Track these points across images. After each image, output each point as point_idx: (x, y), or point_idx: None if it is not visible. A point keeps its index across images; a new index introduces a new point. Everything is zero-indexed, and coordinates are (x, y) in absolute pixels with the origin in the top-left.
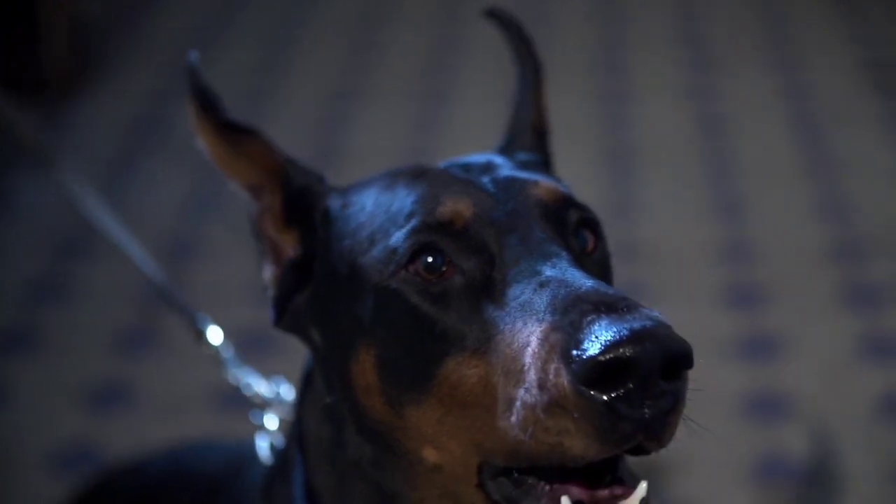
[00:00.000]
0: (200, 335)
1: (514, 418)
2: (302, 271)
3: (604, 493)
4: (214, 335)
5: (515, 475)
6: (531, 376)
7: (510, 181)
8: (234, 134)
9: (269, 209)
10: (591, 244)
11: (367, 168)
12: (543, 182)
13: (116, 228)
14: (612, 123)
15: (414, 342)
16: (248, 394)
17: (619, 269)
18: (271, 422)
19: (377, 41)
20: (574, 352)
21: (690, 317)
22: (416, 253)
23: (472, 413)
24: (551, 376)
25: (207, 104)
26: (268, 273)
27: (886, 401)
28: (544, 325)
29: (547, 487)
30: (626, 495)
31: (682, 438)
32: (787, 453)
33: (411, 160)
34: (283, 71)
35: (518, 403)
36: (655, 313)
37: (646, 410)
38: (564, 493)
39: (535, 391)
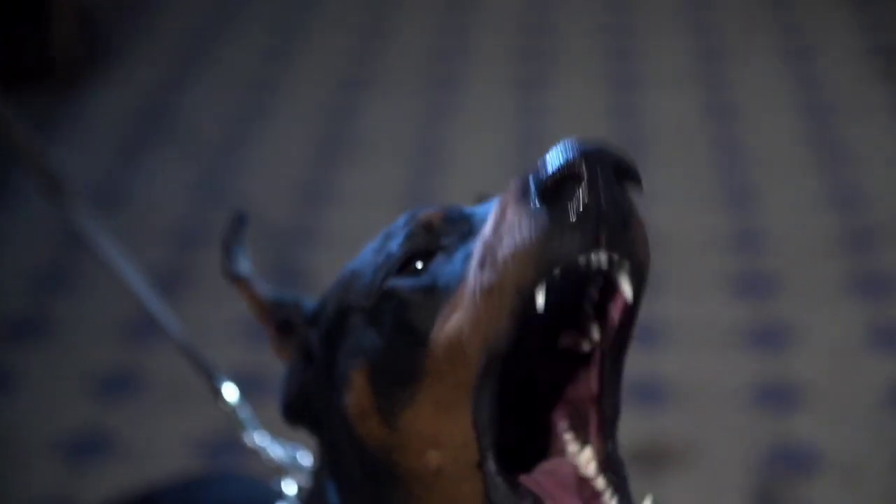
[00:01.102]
0: (217, 393)
1: (472, 273)
2: (305, 362)
3: None
4: (230, 393)
5: (514, 480)
6: (489, 225)
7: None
8: (237, 285)
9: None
10: None
11: (377, 156)
12: None
13: (118, 256)
14: (621, 112)
15: (407, 332)
16: (265, 459)
17: None
18: (290, 488)
19: (386, 29)
20: (530, 182)
21: (700, 306)
22: (408, 261)
23: (464, 356)
24: (508, 210)
25: (228, 256)
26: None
27: (895, 390)
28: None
29: (546, 502)
30: None
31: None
32: (796, 442)
33: (421, 148)
34: (292, 59)
35: (475, 258)
36: (601, 141)
37: (597, 203)
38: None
39: (489, 234)
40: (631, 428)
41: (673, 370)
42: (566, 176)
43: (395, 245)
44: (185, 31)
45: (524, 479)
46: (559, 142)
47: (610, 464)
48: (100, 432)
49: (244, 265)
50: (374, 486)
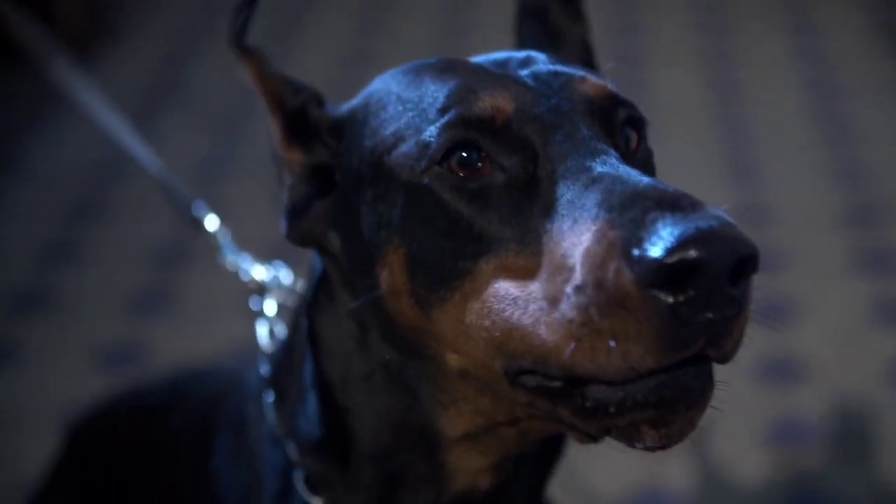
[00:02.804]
0: (197, 223)
1: (558, 319)
2: (321, 182)
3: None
4: (210, 222)
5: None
6: (585, 276)
7: (553, 75)
8: (246, 60)
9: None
10: (634, 142)
11: None
12: (590, 77)
13: (118, 123)
14: (625, 88)
15: (448, 241)
16: (245, 279)
17: None
18: (270, 307)
19: (391, 4)
20: (636, 251)
21: None
22: (452, 149)
23: (501, 315)
24: (611, 275)
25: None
26: (285, 189)
27: None
28: (600, 223)
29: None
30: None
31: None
32: (801, 417)
33: None
34: (295, 36)
35: (565, 306)
36: (721, 212)
37: (710, 315)
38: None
39: (590, 290)
40: None
41: None
42: (683, 266)
43: (439, 126)
44: (191, 3)
45: None
46: (679, 212)
47: None
48: None
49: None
50: (402, 347)
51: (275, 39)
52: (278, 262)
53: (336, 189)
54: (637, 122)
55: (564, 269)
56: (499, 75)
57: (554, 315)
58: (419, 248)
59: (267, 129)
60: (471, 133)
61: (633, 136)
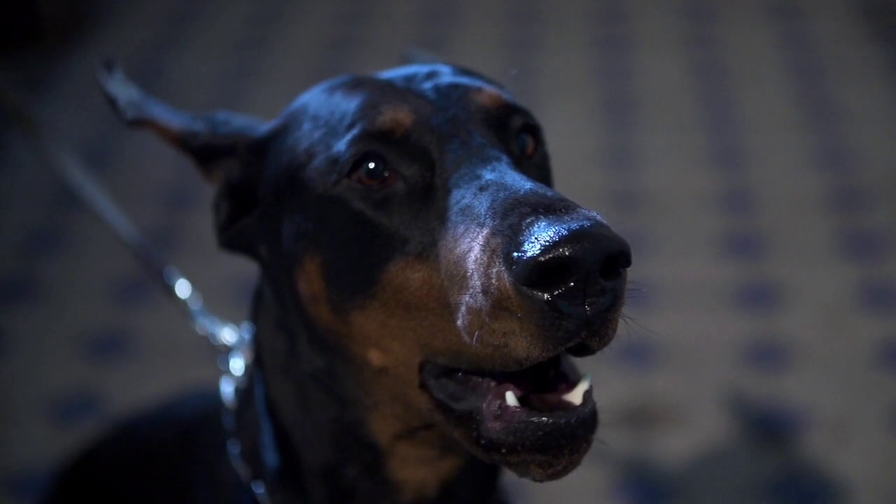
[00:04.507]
0: (169, 289)
1: (460, 322)
2: (247, 198)
3: (548, 388)
4: (182, 288)
5: (460, 375)
6: (475, 282)
7: (452, 87)
8: (141, 127)
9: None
10: (530, 148)
11: None
12: (486, 88)
13: (93, 188)
14: (611, 73)
15: (357, 248)
16: (214, 343)
17: (619, 219)
18: (237, 365)
19: None
20: (515, 254)
21: (690, 266)
22: (358, 162)
23: (416, 315)
24: (494, 280)
25: (115, 106)
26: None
27: (886, 348)
28: (485, 230)
29: (493, 384)
30: (570, 389)
31: (623, 336)
32: (786, 401)
33: None
34: (283, 21)
35: (464, 309)
36: (594, 213)
37: (587, 308)
38: (508, 390)
39: (479, 296)
40: (621, 389)
41: (663, 331)
42: (556, 265)
43: (346, 141)
44: None
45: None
46: (553, 215)
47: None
48: (90, 393)
49: (138, 102)
50: (326, 353)
51: (261, 23)
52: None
53: (259, 203)
54: (533, 129)
55: (458, 277)
56: (402, 90)
57: (457, 318)
58: (333, 256)
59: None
60: (374, 146)
61: (530, 142)
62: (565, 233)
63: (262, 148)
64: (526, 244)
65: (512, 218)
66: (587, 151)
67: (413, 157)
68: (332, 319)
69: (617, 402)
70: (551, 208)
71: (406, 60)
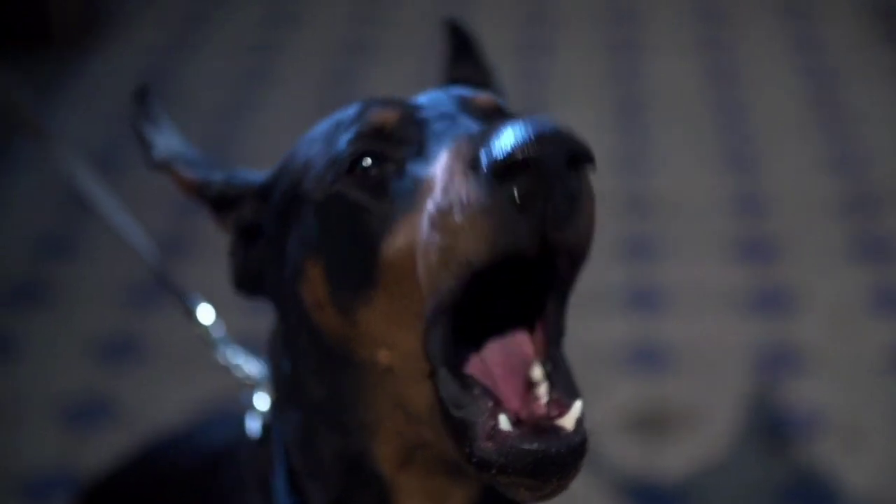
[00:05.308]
0: (191, 314)
1: (424, 228)
2: (254, 236)
3: (542, 410)
4: (205, 314)
5: (466, 373)
6: (439, 185)
7: (444, 92)
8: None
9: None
10: None
11: None
12: (480, 95)
13: (112, 206)
14: (622, 76)
15: (357, 239)
16: (238, 375)
17: (630, 222)
18: (262, 401)
19: None
20: (481, 156)
21: (702, 269)
22: (356, 160)
23: (415, 291)
24: (457, 178)
25: (144, 146)
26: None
27: None
28: (454, 144)
29: (490, 403)
30: (563, 413)
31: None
32: (798, 406)
33: None
34: (294, 24)
35: (427, 214)
36: (556, 122)
37: (547, 201)
38: (503, 412)
39: (439, 197)
40: (632, 393)
41: (675, 335)
42: (518, 160)
43: (343, 142)
44: None
45: (473, 368)
46: (513, 122)
47: (551, 358)
48: (101, 398)
49: (167, 143)
50: (330, 368)
51: (272, 26)
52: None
53: (264, 236)
54: None
55: (430, 191)
56: (394, 100)
57: (424, 231)
58: (334, 256)
59: (263, 125)
60: (368, 144)
61: None
62: (528, 132)
63: (268, 189)
64: (491, 146)
65: (487, 132)
66: (599, 154)
67: (403, 143)
68: (338, 323)
69: (627, 406)
70: (521, 118)
71: (448, 30)
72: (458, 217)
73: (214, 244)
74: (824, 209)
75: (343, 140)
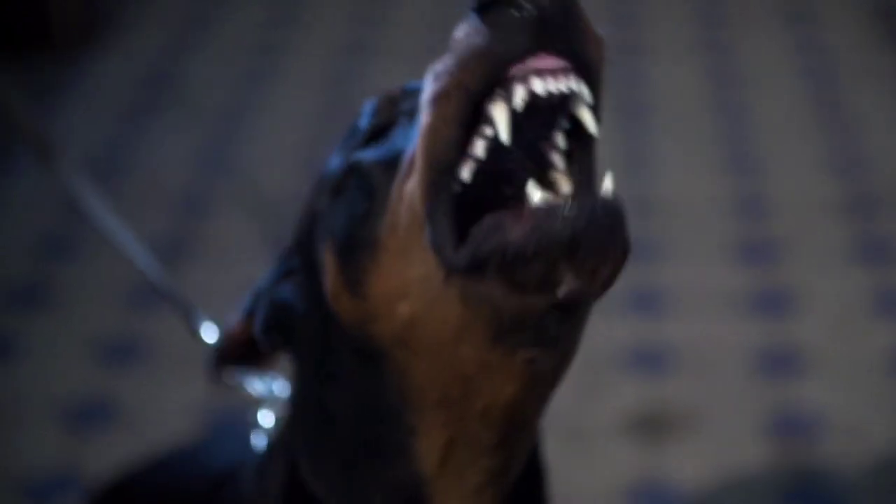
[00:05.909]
0: (195, 333)
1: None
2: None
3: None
4: (210, 333)
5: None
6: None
7: None
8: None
9: None
10: None
11: None
12: None
13: (113, 223)
14: (625, 78)
15: (365, 197)
16: (243, 393)
17: (632, 225)
18: (268, 419)
19: None
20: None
21: (704, 271)
22: (374, 133)
23: (419, 228)
24: (459, 31)
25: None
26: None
27: None
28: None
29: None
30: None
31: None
32: (800, 408)
33: None
34: (296, 26)
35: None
36: None
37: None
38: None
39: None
40: (633, 394)
41: (676, 337)
42: None
43: (363, 122)
44: None
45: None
46: None
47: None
48: (103, 400)
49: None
50: (360, 375)
51: (274, 28)
52: (275, 374)
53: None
54: None
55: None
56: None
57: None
58: (343, 227)
59: (265, 127)
60: (380, 119)
61: None
62: None
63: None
64: None
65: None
66: (600, 157)
67: (404, 112)
68: (353, 307)
69: (628, 407)
70: None
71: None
72: (452, 59)
73: (217, 246)
74: (825, 211)
75: (363, 122)
